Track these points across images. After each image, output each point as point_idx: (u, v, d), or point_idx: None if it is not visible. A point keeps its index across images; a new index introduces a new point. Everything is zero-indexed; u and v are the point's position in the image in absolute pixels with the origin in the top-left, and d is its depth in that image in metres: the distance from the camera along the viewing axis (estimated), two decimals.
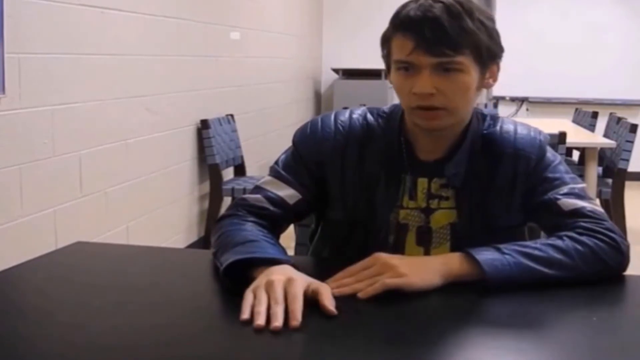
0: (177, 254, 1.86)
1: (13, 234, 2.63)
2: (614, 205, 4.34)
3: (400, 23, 1.33)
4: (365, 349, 1.01)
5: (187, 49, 4.05)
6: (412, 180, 1.44)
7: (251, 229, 1.36)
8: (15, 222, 2.65)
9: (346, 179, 1.45)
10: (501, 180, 1.43)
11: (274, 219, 1.43)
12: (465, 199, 1.43)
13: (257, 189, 1.47)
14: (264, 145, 5.39)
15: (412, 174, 1.44)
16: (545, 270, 1.25)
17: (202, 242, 4.30)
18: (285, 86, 6.06)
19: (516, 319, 1.15)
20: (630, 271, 1.34)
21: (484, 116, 1.48)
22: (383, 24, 1.41)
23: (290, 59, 6.18)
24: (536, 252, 1.27)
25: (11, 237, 2.62)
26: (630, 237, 1.63)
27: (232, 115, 4.66)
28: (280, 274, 1.16)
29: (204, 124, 4.22)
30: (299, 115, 6.37)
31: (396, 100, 1.43)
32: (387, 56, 1.38)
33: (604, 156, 4.72)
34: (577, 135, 4.73)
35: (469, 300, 1.22)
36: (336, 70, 6.86)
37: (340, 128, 1.46)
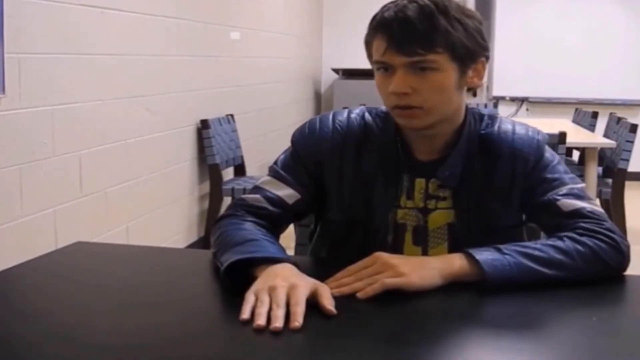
0: (177, 254, 1.86)
1: (13, 234, 2.63)
2: (614, 205, 4.34)
3: (375, 25, 1.36)
4: (365, 349, 1.01)
5: (187, 49, 4.05)
6: (410, 180, 1.44)
7: (250, 228, 1.36)
8: (15, 222, 2.65)
9: (344, 178, 1.45)
10: (499, 181, 1.43)
11: (273, 219, 1.43)
12: (462, 199, 1.43)
13: (256, 189, 1.47)
14: (264, 145, 5.39)
15: (410, 174, 1.44)
16: (546, 270, 1.25)
17: (202, 242, 4.30)
18: (285, 86, 6.06)
19: (516, 319, 1.15)
20: (630, 271, 1.34)
21: (481, 116, 1.48)
22: None
23: (290, 59, 6.18)
24: (536, 253, 1.27)
25: (11, 237, 2.62)
26: (630, 237, 1.62)
27: (232, 115, 4.66)
28: (282, 278, 1.16)
29: (204, 124, 4.22)
30: (299, 115, 6.37)
31: None
32: (370, 58, 1.40)
33: (604, 156, 4.72)
34: (577, 135, 4.73)
35: (468, 301, 1.22)
36: (336, 70, 6.86)
37: (339, 128, 1.47)
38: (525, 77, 7.11)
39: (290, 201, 1.45)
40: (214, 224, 1.43)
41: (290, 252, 1.49)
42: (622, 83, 6.96)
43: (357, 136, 1.46)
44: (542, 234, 1.54)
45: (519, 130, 1.46)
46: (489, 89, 7.23)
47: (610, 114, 5.44)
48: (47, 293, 1.26)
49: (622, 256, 1.32)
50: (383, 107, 1.49)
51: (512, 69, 7.12)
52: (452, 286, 1.23)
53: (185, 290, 1.28)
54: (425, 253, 1.44)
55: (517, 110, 7.26)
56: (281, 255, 1.26)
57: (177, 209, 4.06)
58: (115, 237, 3.31)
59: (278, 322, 1.05)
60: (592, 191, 4.21)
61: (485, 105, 6.62)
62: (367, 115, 1.49)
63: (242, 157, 4.74)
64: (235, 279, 1.22)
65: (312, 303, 1.12)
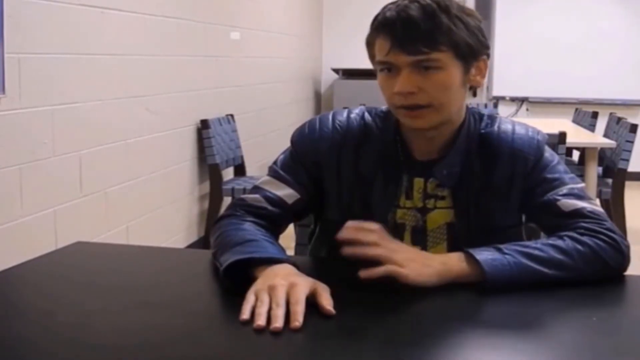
0: (177, 254, 1.86)
1: (13, 234, 2.63)
2: (614, 205, 4.34)
3: (377, 25, 1.36)
4: (365, 349, 1.01)
5: (187, 49, 4.06)
6: (409, 180, 1.44)
7: (250, 228, 1.36)
8: (15, 222, 2.65)
9: (343, 178, 1.45)
10: (498, 180, 1.43)
11: (272, 218, 1.43)
12: (462, 199, 1.43)
13: (256, 189, 1.47)
14: (264, 145, 5.39)
15: (409, 174, 1.44)
16: (546, 270, 1.25)
17: (202, 242, 4.30)
18: (285, 86, 6.06)
19: (516, 319, 1.15)
20: (630, 271, 1.34)
21: (481, 116, 1.48)
22: None
23: (290, 59, 6.18)
24: (537, 252, 1.27)
25: (11, 237, 2.62)
26: (630, 237, 1.63)
27: (232, 115, 4.67)
28: (282, 277, 1.16)
29: (204, 124, 4.23)
30: (299, 115, 6.37)
31: None
32: (372, 59, 1.40)
33: (604, 156, 4.72)
34: (577, 135, 4.73)
35: (468, 301, 1.22)
36: (336, 70, 6.86)
37: (338, 128, 1.47)
38: (525, 77, 7.11)
39: (289, 201, 1.45)
40: (214, 224, 1.43)
41: (290, 252, 1.49)
42: (622, 83, 6.96)
43: (356, 136, 1.46)
44: (542, 233, 1.54)
45: (519, 130, 1.46)
46: (489, 89, 7.23)
47: (610, 114, 5.44)
48: (47, 293, 1.26)
49: (622, 256, 1.32)
50: (383, 107, 1.49)
51: (512, 69, 7.12)
52: (452, 286, 1.23)
53: (185, 290, 1.28)
54: None
55: (517, 110, 7.26)
56: (281, 256, 1.26)
57: (177, 209, 4.06)
58: (115, 237, 3.31)
59: (278, 322, 1.05)
60: (592, 191, 4.21)
61: (485, 105, 6.62)
62: (366, 115, 1.49)
63: (242, 157, 4.74)
64: (235, 279, 1.22)
65: (312, 303, 1.12)
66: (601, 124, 5.62)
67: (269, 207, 1.43)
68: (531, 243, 1.31)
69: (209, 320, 1.16)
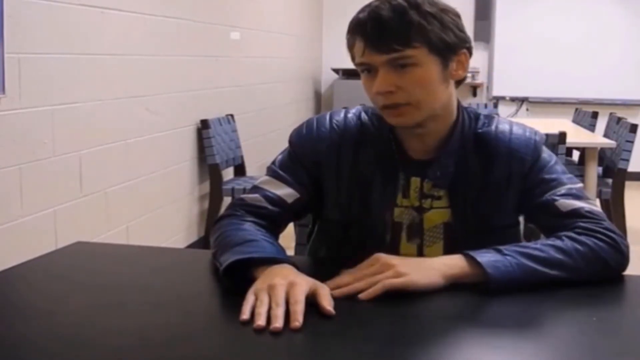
0: (177, 254, 1.86)
1: (13, 234, 2.63)
2: (614, 205, 4.34)
3: (352, 27, 1.37)
4: (365, 350, 1.01)
5: (187, 49, 4.06)
6: (406, 179, 1.44)
7: (250, 228, 1.36)
8: (15, 222, 2.65)
9: (341, 178, 1.45)
10: (495, 180, 1.43)
11: (272, 218, 1.43)
12: (458, 199, 1.43)
13: (255, 188, 1.47)
14: (264, 145, 5.39)
15: (405, 173, 1.44)
16: (547, 270, 1.25)
17: (202, 242, 4.30)
18: (285, 86, 6.06)
19: (516, 319, 1.15)
20: (630, 271, 1.34)
21: (477, 115, 1.47)
22: None
23: (290, 59, 6.18)
24: (537, 253, 1.27)
25: (11, 237, 2.62)
26: (630, 237, 1.63)
27: (232, 115, 4.67)
28: (282, 276, 1.16)
29: (204, 124, 4.23)
30: (299, 115, 6.37)
31: None
32: (353, 61, 1.40)
33: (604, 156, 4.72)
34: (577, 135, 4.73)
35: (468, 301, 1.22)
36: (336, 70, 6.86)
37: (336, 128, 1.47)
38: (525, 77, 7.11)
39: (289, 200, 1.45)
40: (214, 224, 1.43)
41: (290, 252, 1.49)
42: (622, 83, 6.96)
43: (353, 136, 1.46)
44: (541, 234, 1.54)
45: (517, 130, 1.46)
46: (489, 89, 7.23)
47: (610, 114, 5.44)
48: (47, 293, 1.26)
49: (622, 255, 1.32)
50: None
51: (512, 69, 7.12)
52: (452, 287, 1.23)
53: (185, 290, 1.28)
54: (420, 251, 1.44)
55: (517, 110, 7.27)
56: (280, 256, 1.26)
57: (177, 209, 4.06)
58: (115, 237, 3.31)
59: (278, 322, 1.05)
60: (592, 191, 4.21)
61: (485, 105, 6.63)
62: (363, 114, 1.49)
63: (242, 157, 4.74)
64: (235, 279, 1.22)
65: (312, 303, 1.12)
66: (601, 124, 5.62)
67: (269, 207, 1.43)
68: (530, 244, 1.31)
69: (208, 320, 1.16)
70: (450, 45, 1.35)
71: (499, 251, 1.26)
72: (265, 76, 5.48)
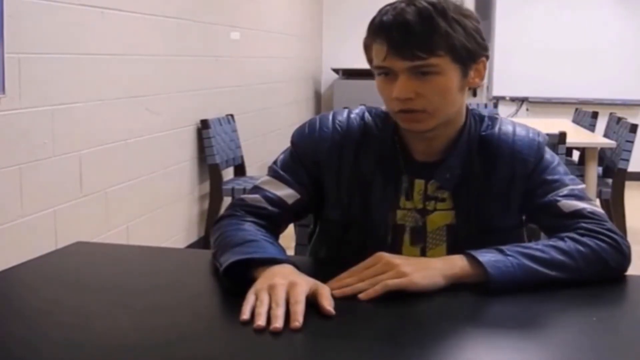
0: (177, 254, 1.86)
1: (13, 234, 2.63)
2: (614, 205, 4.34)
3: (374, 29, 1.34)
4: (365, 350, 1.01)
5: (187, 49, 4.05)
6: (409, 181, 1.44)
7: (250, 228, 1.36)
8: (15, 222, 2.65)
9: (342, 179, 1.45)
10: (499, 182, 1.43)
11: (272, 218, 1.43)
12: (462, 201, 1.42)
13: (256, 189, 1.47)
14: (264, 145, 5.39)
15: (409, 175, 1.44)
16: (548, 271, 1.25)
17: (202, 242, 4.30)
18: (285, 86, 6.06)
19: (516, 319, 1.15)
20: (630, 271, 1.34)
21: (481, 117, 1.47)
22: None
23: (290, 59, 6.18)
24: (538, 254, 1.27)
25: (11, 237, 2.62)
26: (630, 237, 1.63)
27: (232, 115, 4.67)
28: (282, 276, 1.16)
29: (204, 124, 4.23)
30: (299, 115, 6.37)
31: None
32: (370, 62, 1.39)
33: (604, 156, 4.72)
34: (577, 135, 4.73)
35: (468, 301, 1.21)
36: (336, 70, 6.86)
37: (338, 128, 1.46)
38: (525, 77, 7.11)
39: (289, 201, 1.44)
40: (214, 224, 1.43)
41: (290, 252, 1.49)
42: (622, 83, 6.96)
43: (356, 136, 1.45)
44: (542, 234, 1.54)
45: (520, 131, 1.46)
46: (489, 89, 7.23)
47: (610, 114, 5.44)
48: (47, 293, 1.26)
49: (623, 257, 1.32)
50: (383, 107, 1.49)
51: (512, 68, 7.12)
52: (452, 287, 1.23)
53: (185, 290, 1.28)
54: (423, 254, 1.44)
55: (517, 110, 7.26)
56: (280, 256, 1.26)
57: (177, 209, 4.06)
58: (115, 237, 3.31)
59: (278, 323, 1.05)
60: (592, 191, 4.21)
61: (486, 105, 6.62)
62: (366, 115, 1.48)
63: (242, 157, 4.74)
64: (235, 280, 1.22)
65: (312, 303, 1.12)
66: (601, 124, 5.62)
67: (269, 207, 1.43)
68: (532, 244, 1.30)
69: (209, 320, 1.16)
70: (471, 53, 1.34)
71: (501, 251, 1.26)
72: (265, 76, 5.48)
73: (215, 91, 4.50)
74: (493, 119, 1.48)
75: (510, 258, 1.24)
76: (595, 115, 5.70)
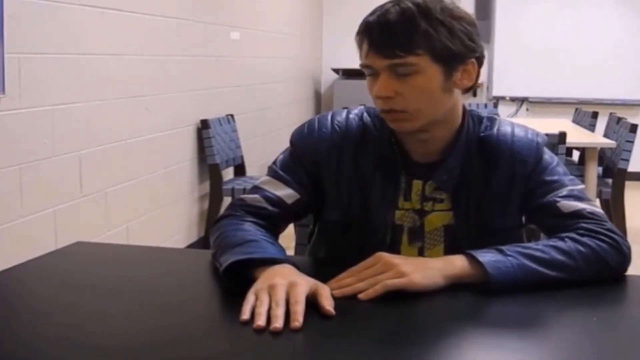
0: (177, 254, 1.86)
1: (13, 234, 2.63)
2: (614, 205, 4.34)
3: (360, 29, 1.37)
4: (365, 350, 1.01)
5: (187, 49, 4.05)
6: (407, 182, 1.44)
7: (250, 228, 1.36)
8: (15, 222, 2.65)
9: (341, 179, 1.45)
10: (498, 183, 1.42)
11: (272, 218, 1.43)
12: (461, 202, 1.42)
13: (255, 189, 1.47)
14: (264, 145, 5.39)
15: (407, 176, 1.44)
16: (548, 271, 1.25)
17: (202, 242, 4.30)
18: (285, 86, 6.06)
19: (516, 319, 1.15)
20: (630, 271, 1.34)
21: (480, 118, 1.47)
22: None
23: (290, 59, 6.18)
24: (538, 254, 1.26)
25: (11, 237, 2.62)
26: (630, 237, 1.63)
27: (232, 115, 4.67)
28: (282, 276, 1.16)
29: (204, 124, 4.23)
30: (299, 115, 6.37)
31: None
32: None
33: (604, 156, 4.72)
34: (577, 135, 4.73)
35: (468, 301, 1.21)
36: (336, 70, 6.86)
37: (337, 128, 1.46)
38: (525, 77, 7.11)
39: (289, 201, 1.44)
40: (214, 225, 1.43)
41: (290, 252, 1.49)
42: (622, 83, 6.96)
43: (355, 137, 1.45)
44: (542, 234, 1.54)
45: (518, 132, 1.46)
46: (489, 89, 7.23)
47: (610, 114, 5.44)
48: (47, 293, 1.26)
49: (623, 257, 1.32)
50: None
51: (512, 69, 7.12)
52: (452, 287, 1.23)
53: (185, 291, 1.28)
54: (421, 254, 1.44)
55: (517, 110, 7.26)
56: (280, 256, 1.26)
57: (177, 209, 4.06)
58: (115, 237, 3.31)
59: (278, 323, 1.05)
60: (592, 191, 4.21)
61: (485, 105, 6.62)
62: (365, 115, 1.48)
63: (242, 157, 4.74)
64: (235, 280, 1.22)
65: (312, 303, 1.12)
66: (601, 124, 5.62)
67: (269, 207, 1.43)
68: (532, 244, 1.30)
69: (209, 320, 1.16)
70: (455, 54, 1.33)
71: (501, 251, 1.26)
72: (265, 76, 5.48)
73: (215, 91, 4.50)
74: (492, 120, 1.47)
75: (510, 258, 1.24)
76: (595, 115, 5.70)
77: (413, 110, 1.34)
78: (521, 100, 7.26)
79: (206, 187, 4.37)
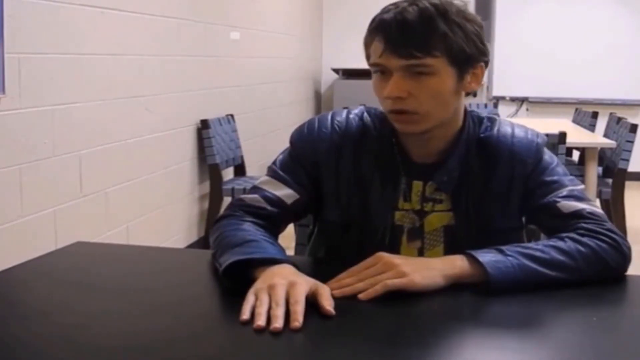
0: (177, 254, 1.86)
1: (13, 234, 2.63)
2: (614, 205, 4.34)
3: (374, 26, 1.35)
4: (365, 349, 1.01)
5: (187, 49, 4.05)
6: (407, 183, 1.44)
7: (249, 228, 1.36)
8: (15, 222, 2.65)
9: (341, 179, 1.45)
10: (498, 184, 1.42)
11: (272, 218, 1.43)
12: (461, 202, 1.42)
13: (255, 189, 1.47)
14: (264, 145, 5.39)
15: (407, 176, 1.43)
16: (548, 271, 1.25)
17: (202, 242, 4.30)
18: (285, 86, 6.06)
19: (516, 319, 1.15)
20: (630, 271, 1.34)
21: (480, 119, 1.47)
22: None
23: (290, 59, 6.18)
24: (538, 254, 1.26)
25: (11, 237, 2.62)
26: (630, 237, 1.63)
27: (232, 115, 4.67)
28: (282, 276, 1.16)
29: (204, 124, 4.23)
30: (299, 115, 6.37)
31: None
32: (367, 59, 1.39)
33: (604, 156, 4.72)
34: (577, 135, 4.73)
35: (468, 301, 1.21)
36: (336, 70, 6.86)
37: (337, 128, 1.46)
38: (525, 77, 7.11)
39: (289, 201, 1.44)
40: (213, 225, 1.43)
41: (290, 252, 1.49)
42: (622, 83, 6.96)
43: (354, 137, 1.45)
44: (542, 234, 1.54)
45: (518, 133, 1.46)
46: (489, 89, 7.23)
47: (610, 114, 5.44)
48: (47, 293, 1.26)
49: (624, 257, 1.32)
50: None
51: (512, 69, 7.12)
52: (452, 287, 1.23)
53: (185, 291, 1.28)
54: (421, 255, 1.44)
55: (517, 111, 7.26)
56: (280, 256, 1.26)
57: (177, 209, 4.06)
58: (115, 237, 3.31)
59: (278, 323, 1.05)
60: (592, 191, 4.21)
61: (485, 105, 6.62)
62: (365, 115, 1.48)
63: (242, 157, 4.74)
64: (235, 280, 1.22)
65: (312, 303, 1.12)
66: (601, 124, 5.62)
67: (268, 207, 1.43)
68: (532, 244, 1.30)
69: (208, 320, 1.16)
70: (469, 57, 1.33)
71: (501, 251, 1.26)
72: (265, 76, 5.48)
73: (215, 91, 4.50)
74: (492, 121, 1.47)
75: (510, 258, 1.24)
76: (595, 115, 5.70)
77: (424, 112, 1.33)
78: (521, 100, 7.26)
79: (206, 187, 4.38)
